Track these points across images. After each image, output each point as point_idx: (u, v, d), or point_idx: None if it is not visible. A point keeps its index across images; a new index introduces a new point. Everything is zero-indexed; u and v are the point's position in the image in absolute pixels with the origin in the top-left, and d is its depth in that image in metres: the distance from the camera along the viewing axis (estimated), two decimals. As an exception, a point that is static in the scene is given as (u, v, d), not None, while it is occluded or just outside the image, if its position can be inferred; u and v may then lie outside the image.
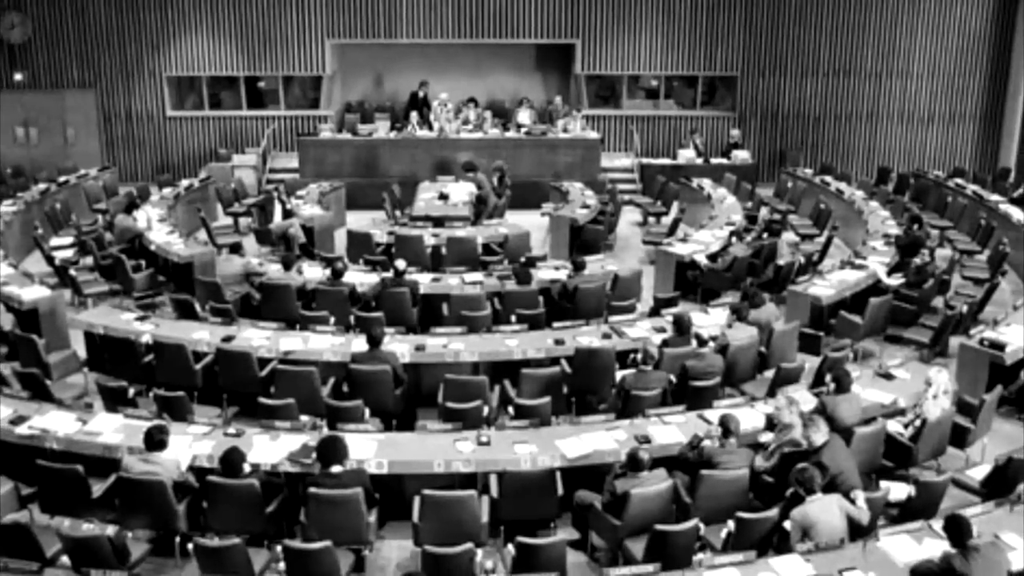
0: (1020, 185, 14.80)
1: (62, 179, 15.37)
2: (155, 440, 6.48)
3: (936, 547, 5.60)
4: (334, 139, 16.65)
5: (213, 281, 10.65)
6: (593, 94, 18.61)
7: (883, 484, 6.93)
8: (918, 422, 7.39)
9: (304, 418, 7.55)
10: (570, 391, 8.49)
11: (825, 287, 10.47)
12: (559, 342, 8.87)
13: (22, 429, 7.13)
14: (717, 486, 6.51)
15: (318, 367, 8.30)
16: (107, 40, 17.38)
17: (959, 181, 15.54)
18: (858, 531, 5.95)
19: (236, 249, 11.19)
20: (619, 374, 8.32)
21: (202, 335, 8.96)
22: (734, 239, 12.03)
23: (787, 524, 6.00)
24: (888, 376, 8.22)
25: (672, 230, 13.44)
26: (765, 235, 12.31)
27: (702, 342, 8.49)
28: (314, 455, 6.55)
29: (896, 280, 10.85)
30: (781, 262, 11.52)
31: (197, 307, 9.80)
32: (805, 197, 15.56)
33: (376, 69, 19.03)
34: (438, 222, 12.99)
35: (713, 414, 7.26)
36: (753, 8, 17.71)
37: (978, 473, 7.06)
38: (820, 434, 6.52)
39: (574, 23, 17.66)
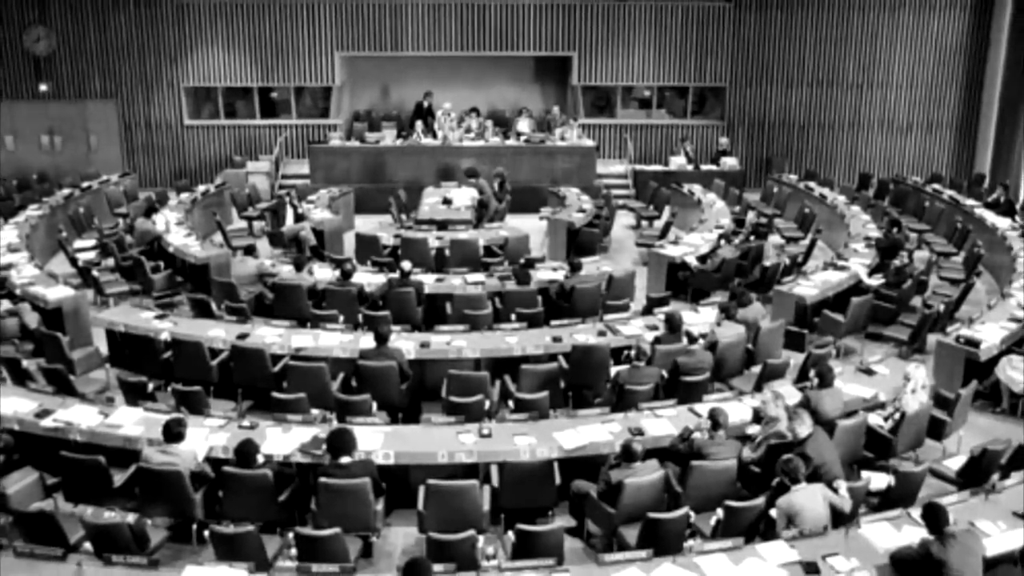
0: (994, 190, 14.80)
1: (85, 185, 15.40)
2: (173, 432, 6.48)
3: (915, 534, 5.60)
4: (343, 147, 16.64)
5: (228, 281, 10.65)
6: (589, 104, 18.59)
7: (864, 474, 6.94)
8: (897, 415, 7.39)
9: (315, 411, 7.55)
10: (567, 386, 8.49)
11: (809, 287, 10.47)
12: (557, 339, 8.87)
13: (47, 422, 7.14)
14: (706, 476, 6.51)
15: (328, 363, 8.31)
16: (127, 53, 17.37)
17: (936, 186, 15.56)
18: (840, 519, 5.96)
19: (250, 251, 11.21)
20: (614, 370, 8.31)
21: (218, 333, 8.96)
22: (723, 242, 12.03)
23: (773, 512, 6.00)
24: (869, 372, 8.22)
25: (664, 233, 13.44)
26: (752, 238, 12.32)
27: (692, 339, 8.49)
28: (324, 446, 6.54)
29: (876, 280, 10.85)
30: (767, 263, 11.52)
31: (213, 306, 9.80)
32: (790, 202, 15.58)
33: (383, 80, 19.03)
34: (442, 225, 12.99)
35: (703, 408, 7.27)
36: (741, 23, 17.72)
37: (954, 463, 7.08)
38: (804, 427, 6.52)
39: (571, 37, 17.66)
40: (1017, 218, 13.57)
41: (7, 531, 6.28)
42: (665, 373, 8.12)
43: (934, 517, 5.35)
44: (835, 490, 6.08)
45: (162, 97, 17.72)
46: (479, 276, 10.79)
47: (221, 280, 10.80)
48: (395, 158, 16.42)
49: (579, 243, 13.11)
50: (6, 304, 9.86)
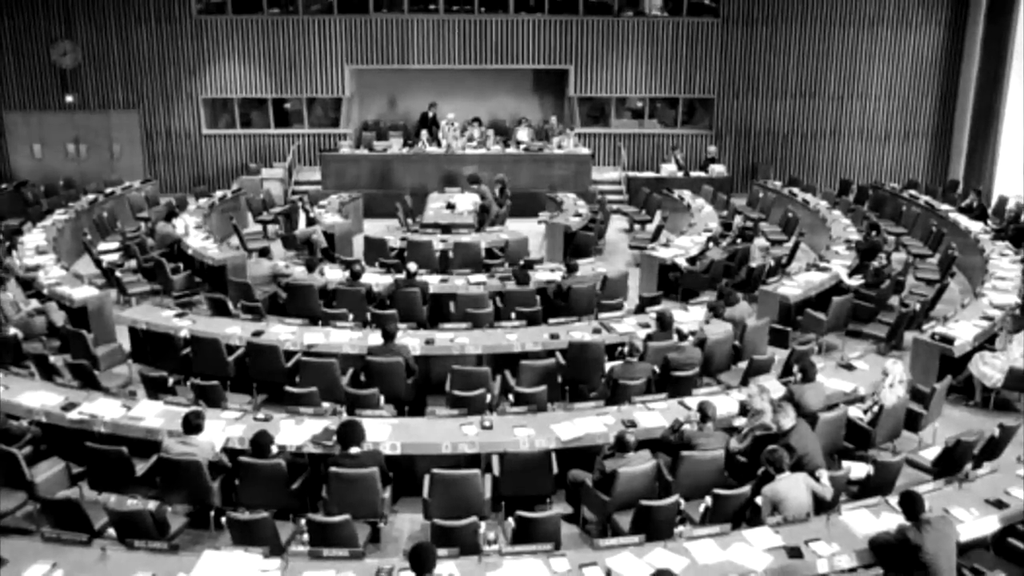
0: (967, 196, 14.81)
1: (108, 190, 15.42)
2: (192, 424, 6.48)
3: (892, 520, 5.60)
4: (353, 154, 16.64)
5: (244, 282, 10.65)
6: (585, 114, 18.59)
7: (845, 464, 6.93)
8: (876, 408, 7.39)
9: (326, 404, 7.55)
10: (564, 380, 8.49)
11: (793, 287, 10.47)
12: (554, 336, 8.86)
13: (73, 414, 7.14)
14: (696, 466, 6.51)
15: (338, 359, 8.30)
16: (149, 66, 17.38)
17: (913, 192, 15.58)
18: (822, 506, 5.95)
19: (265, 253, 11.16)
20: (608, 365, 8.29)
21: (234, 330, 8.95)
22: (711, 244, 12.02)
23: (759, 500, 6.00)
24: (849, 367, 8.22)
25: (655, 236, 13.43)
26: (739, 240, 12.32)
27: (682, 336, 8.48)
28: (335, 438, 6.54)
29: (856, 281, 10.85)
30: (753, 265, 11.52)
31: (230, 305, 9.80)
32: (775, 206, 15.59)
33: (390, 92, 19.03)
34: (446, 229, 12.99)
35: (692, 401, 7.26)
36: (728, 37, 17.73)
37: (930, 454, 7.08)
38: (788, 419, 6.52)
39: (567, 50, 17.67)
40: (989, 222, 13.58)
41: (35, 517, 6.30)
42: (657, 368, 8.11)
43: (911, 504, 5.35)
44: (817, 479, 6.07)
45: (182, 108, 17.72)
46: (481, 277, 10.79)
47: (237, 280, 10.80)
48: (402, 165, 16.42)
49: (575, 246, 13.11)
50: (34, 303, 9.88)
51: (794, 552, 5.41)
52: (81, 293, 10.02)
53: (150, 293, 11.26)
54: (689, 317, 9.35)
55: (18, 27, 17.01)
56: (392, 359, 8.10)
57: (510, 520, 6.00)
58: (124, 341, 9.46)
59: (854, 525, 5.68)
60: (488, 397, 7.77)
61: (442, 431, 6.95)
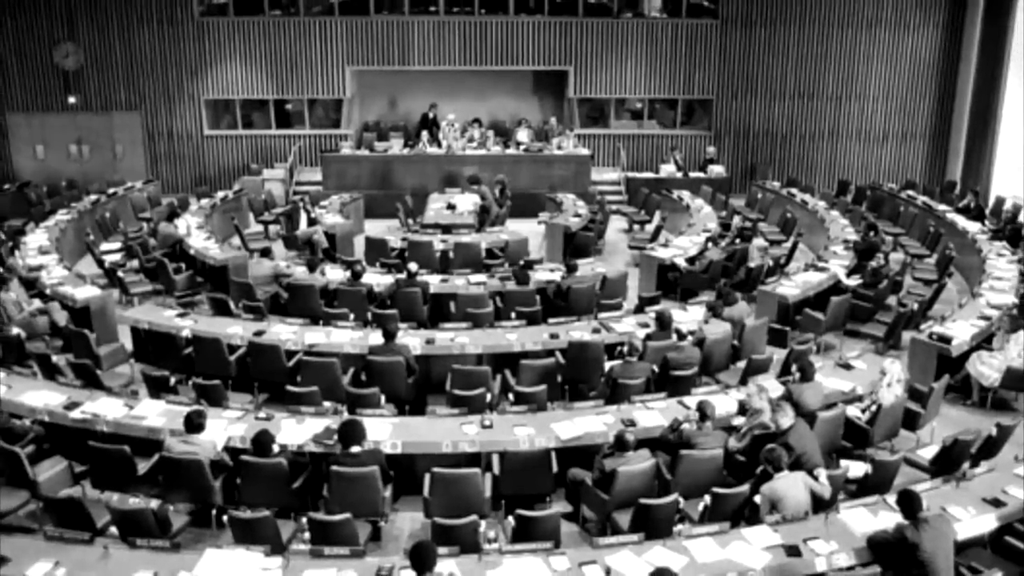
0: (965, 196, 14.80)
1: (111, 191, 15.41)
2: (194, 423, 6.48)
3: (890, 519, 5.60)
4: (353, 155, 16.64)
5: (245, 282, 10.65)
6: (584, 115, 18.59)
7: (843, 463, 6.94)
8: (874, 407, 7.39)
9: (327, 404, 7.55)
10: (564, 380, 8.48)
11: (791, 287, 10.47)
12: (554, 336, 8.86)
13: (75, 414, 7.14)
14: (695, 464, 6.50)
15: (339, 358, 8.30)
16: (151, 67, 17.38)
17: (910, 193, 15.57)
18: (820, 505, 5.95)
19: (266, 253, 11.16)
20: (607, 365, 8.30)
21: (236, 330, 8.95)
22: (710, 244, 12.01)
23: (757, 498, 6.00)
24: (847, 366, 8.21)
25: (655, 236, 13.43)
26: (738, 241, 12.32)
27: (681, 336, 8.48)
28: (336, 437, 6.54)
29: (854, 281, 10.85)
30: (752, 265, 11.51)
31: (231, 305, 9.79)
32: (773, 207, 15.58)
33: (391, 93, 19.03)
34: (446, 229, 12.99)
35: (691, 400, 7.25)
36: (727, 38, 17.73)
37: (927, 453, 7.08)
38: (787, 418, 6.52)
39: (567, 52, 17.67)
40: (986, 222, 13.58)
41: (38, 516, 6.30)
42: (656, 368, 8.11)
43: (908, 503, 5.35)
44: (815, 478, 6.07)
45: (183, 109, 17.72)
46: (481, 277, 10.78)
47: (239, 280, 10.79)
48: (402, 166, 16.42)
49: (575, 246, 13.10)
50: (37, 303, 9.88)
51: (792, 550, 5.41)
52: (83, 293, 10.02)
53: (152, 293, 11.26)
54: (688, 317, 9.34)
55: (21, 28, 17.01)
56: (393, 359, 8.09)
57: (510, 519, 6.00)
58: (126, 341, 9.46)
59: (852, 524, 5.68)
60: (488, 396, 7.77)
61: (442, 430, 6.95)
